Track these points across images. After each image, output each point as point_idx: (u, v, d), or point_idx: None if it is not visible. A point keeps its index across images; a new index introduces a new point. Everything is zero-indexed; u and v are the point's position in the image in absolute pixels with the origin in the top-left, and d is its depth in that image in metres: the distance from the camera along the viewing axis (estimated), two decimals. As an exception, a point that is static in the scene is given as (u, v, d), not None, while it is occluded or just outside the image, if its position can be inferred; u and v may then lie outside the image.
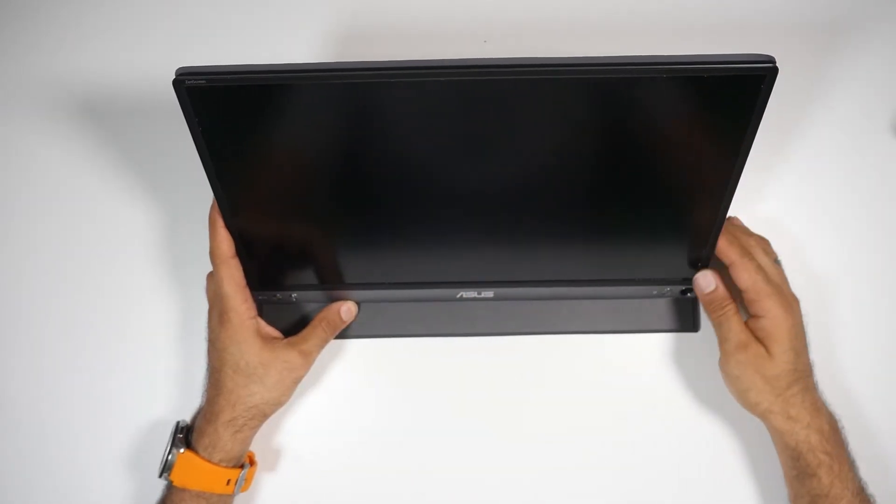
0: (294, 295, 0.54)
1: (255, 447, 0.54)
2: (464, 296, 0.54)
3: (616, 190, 0.47)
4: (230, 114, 0.42)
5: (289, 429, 0.56)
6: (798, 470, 0.49)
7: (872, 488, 0.49)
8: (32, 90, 0.61)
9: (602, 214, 0.48)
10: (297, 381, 0.52)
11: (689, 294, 0.54)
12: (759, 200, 0.58)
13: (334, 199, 0.48)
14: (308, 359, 0.52)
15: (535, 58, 0.39)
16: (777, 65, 0.39)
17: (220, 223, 0.48)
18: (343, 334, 0.56)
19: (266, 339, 0.50)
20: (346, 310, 0.54)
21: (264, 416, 0.51)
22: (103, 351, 0.57)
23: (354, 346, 0.57)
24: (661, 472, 0.55)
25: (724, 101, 0.41)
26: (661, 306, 0.56)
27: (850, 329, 0.56)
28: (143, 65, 0.61)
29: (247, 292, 0.50)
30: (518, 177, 0.46)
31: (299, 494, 0.55)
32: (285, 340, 0.52)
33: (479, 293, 0.54)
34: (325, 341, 0.54)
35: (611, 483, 0.55)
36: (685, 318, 0.56)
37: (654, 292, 0.54)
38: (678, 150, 0.44)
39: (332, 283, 0.53)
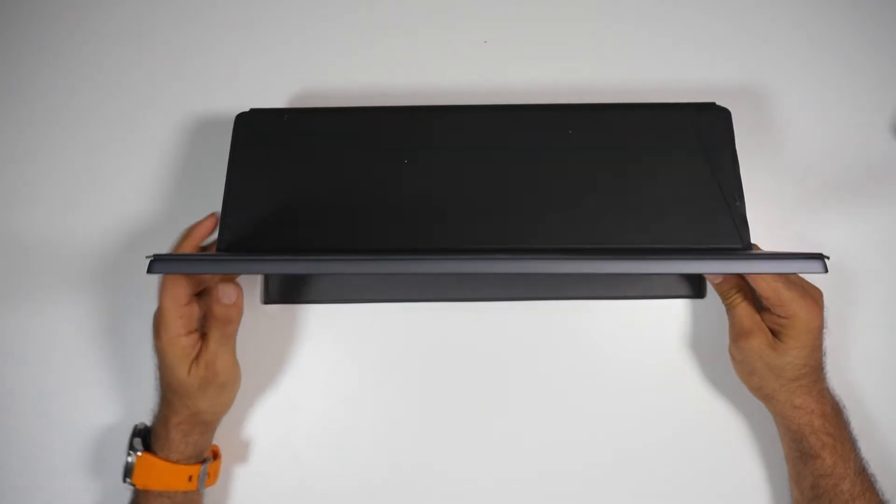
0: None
1: (224, 439, 0.53)
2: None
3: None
4: None
5: (257, 417, 0.55)
6: (801, 451, 0.48)
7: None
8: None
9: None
10: (231, 391, 0.50)
11: None
12: (762, 202, 0.56)
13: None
14: (228, 371, 0.49)
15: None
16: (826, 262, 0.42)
17: (192, 243, 0.51)
18: (352, 298, 0.55)
19: (191, 359, 0.48)
20: (223, 293, 0.48)
21: (206, 424, 0.49)
22: (55, 354, 0.56)
23: (332, 315, 0.56)
24: (664, 441, 0.54)
25: None
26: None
27: (847, 328, 0.55)
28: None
29: (183, 310, 0.47)
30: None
31: (273, 484, 0.54)
32: (203, 361, 0.48)
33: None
34: (229, 335, 0.49)
35: (612, 453, 0.54)
36: (691, 284, 0.55)
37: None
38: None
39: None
